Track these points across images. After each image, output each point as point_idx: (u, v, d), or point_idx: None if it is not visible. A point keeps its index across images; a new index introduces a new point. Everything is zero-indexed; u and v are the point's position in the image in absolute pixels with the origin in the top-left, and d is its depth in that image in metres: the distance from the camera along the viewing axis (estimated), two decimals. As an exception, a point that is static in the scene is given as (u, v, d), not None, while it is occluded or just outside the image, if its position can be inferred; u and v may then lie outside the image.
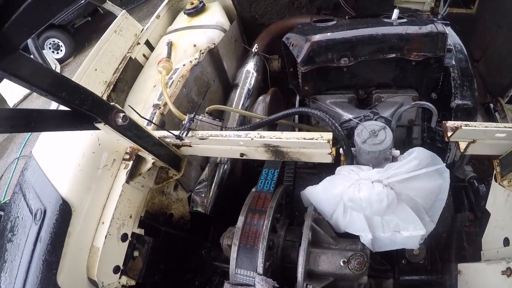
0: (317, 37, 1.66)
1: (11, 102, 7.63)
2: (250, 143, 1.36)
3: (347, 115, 1.78)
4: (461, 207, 2.05)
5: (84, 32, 8.09)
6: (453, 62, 1.83)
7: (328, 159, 1.36)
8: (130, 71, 2.30)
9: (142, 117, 1.54)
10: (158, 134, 1.56)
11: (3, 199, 5.14)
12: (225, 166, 2.12)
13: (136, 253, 1.62)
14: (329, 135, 1.28)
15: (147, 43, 2.49)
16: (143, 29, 2.52)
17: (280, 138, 1.31)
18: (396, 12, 1.77)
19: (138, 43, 2.42)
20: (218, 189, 2.06)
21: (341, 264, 1.46)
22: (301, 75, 1.77)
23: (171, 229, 1.89)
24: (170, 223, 1.92)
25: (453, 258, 1.77)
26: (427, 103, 1.70)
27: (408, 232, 1.52)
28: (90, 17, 7.69)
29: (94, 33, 8.13)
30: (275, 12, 2.60)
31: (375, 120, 1.71)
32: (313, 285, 1.46)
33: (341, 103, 1.84)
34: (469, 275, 1.62)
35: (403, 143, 1.99)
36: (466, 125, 1.28)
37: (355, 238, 1.55)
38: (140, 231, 1.64)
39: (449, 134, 1.30)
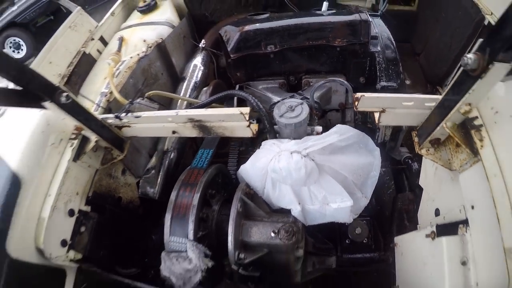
0: (246, 27, 2.01)
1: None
2: (177, 119, 1.66)
3: (276, 98, 2.10)
4: (402, 188, 2.27)
5: (46, 31, 8.20)
6: (379, 48, 2.14)
7: (249, 133, 1.65)
8: (84, 65, 2.54)
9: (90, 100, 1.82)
10: (101, 116, 1.84)
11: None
12: (172, 154, 2.38)
13: (82, 229, 1.80)
14: (246, 109, 1.58)
15: (101, 39, 2.76)
16: (97, 25, 2.81)
17: (203, 113, 1.61)
18: (325, 5, 2.12)
19: (92, 39, 2.69)
20: (165, 177, 2.30)
21: (272, 234, 1.64)
22: (231, 62, 2.10)
23: (119, 211, 2.14)
24: (119, 206, 2.15)
25: (394, 235, 1.93)
26: (339, 79, 1.98)
27: (336, 204, 1.72)
28: (52, 16, 7.88)
29: (56, 33, 8.33)
30: (224, 10, 2.96)
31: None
32: (245, 255, 1.64)
33: (272, 88, 2.19)
34: (403, 246, 1.80)
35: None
36: (369, 94, 1.50)
37: (288, 213, 1.75)
38: (87, 208, 1.84)
39: (356, 103, 1.52)
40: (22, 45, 8.77)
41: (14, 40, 8.59)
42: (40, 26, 7.97)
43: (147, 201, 2.30)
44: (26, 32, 7.63)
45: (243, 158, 2.34)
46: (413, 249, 1.69)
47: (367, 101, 1.50)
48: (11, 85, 1.51)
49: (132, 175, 2.26)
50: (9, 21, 8.23)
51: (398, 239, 1.84)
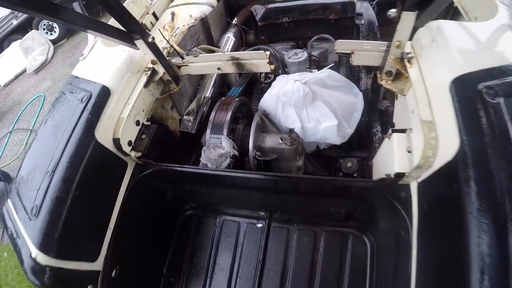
0: (270, 6, 2.91)
1: (1, 82, 9.00)
2: (223, 57, 2.48)
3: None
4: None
5: (77, 15, 9.16)
6: (363, 22, 2.99)
7: (268, 69, 2.45)
8: (141, 33, 3.43)
9: (165, 39, 2.67)
10: (167, 58, 2.68)
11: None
12: (205, 107, 3.15)
13: (143, 136, 2.41)
14: (268, 52, 2.41)
15: (154, 14, 3.53)
16: (151, 3, 3.66)
17: (240, 53, 2.46)
18: None
19: (147, 13, 3.48)
20: (200, 120, 3.01)
21: (279, 141, 2.35)
22: (258, 28, 2.99)
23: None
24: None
25: None
26: (327, 35, 2.90)
27: (326, 123, 2.40)
28: (84, 1, 8.75)
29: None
30: (252, -4, 3.84)
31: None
32: (260, 154, 2.41)
33: (286, 48, 3.07)
34: (376, 161, 2.26)
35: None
36: (341, 40, 2.12)
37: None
38: (148, 123, 2.47)
39: (334, 46, 2.16)
40: (55, 27, 10.04)
41: (48, 22, 9.80)
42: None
43: (184, 138, 3.02)
44: (59, 16, 8.63)
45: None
46: (380, 155, 2.17)
47: (340, 44, 2.15)
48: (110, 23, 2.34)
49: (177, 112, 3.06)
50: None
51: (373, 160, 2.35)
